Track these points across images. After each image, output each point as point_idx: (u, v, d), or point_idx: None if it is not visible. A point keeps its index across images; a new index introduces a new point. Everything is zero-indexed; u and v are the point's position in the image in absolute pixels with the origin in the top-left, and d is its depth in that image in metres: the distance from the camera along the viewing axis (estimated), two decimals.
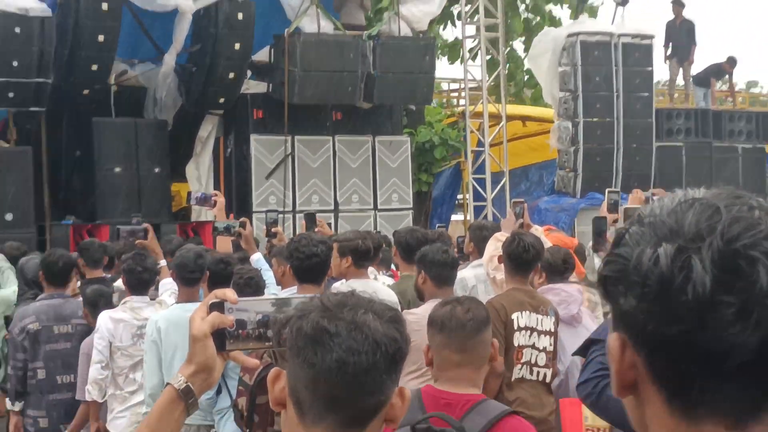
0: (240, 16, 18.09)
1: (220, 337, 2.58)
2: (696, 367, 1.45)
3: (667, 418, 1.51)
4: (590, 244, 10.00)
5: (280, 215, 14.53)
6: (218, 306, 2.59)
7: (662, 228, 1.47)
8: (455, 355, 4.54)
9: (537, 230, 9.63)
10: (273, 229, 11.00)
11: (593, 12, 27.74)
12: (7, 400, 9.64)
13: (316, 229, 10.39)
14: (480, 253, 8.93)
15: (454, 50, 27.08)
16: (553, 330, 7.60)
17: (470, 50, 24.07)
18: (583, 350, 3.54)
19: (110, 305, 9.44)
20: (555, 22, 27.41)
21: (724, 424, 1.47)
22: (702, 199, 1.49)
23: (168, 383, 2.61)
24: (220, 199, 10.78)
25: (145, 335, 8.24)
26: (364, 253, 8.01)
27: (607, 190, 10.38)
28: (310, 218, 10.98)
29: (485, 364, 4.65)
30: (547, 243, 9.31)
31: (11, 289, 10.93)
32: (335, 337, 2.29)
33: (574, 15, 26.73)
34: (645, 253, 1.46)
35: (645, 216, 1.52)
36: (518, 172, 25.88)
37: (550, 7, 29.19)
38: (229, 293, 2.62)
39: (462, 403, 4.44)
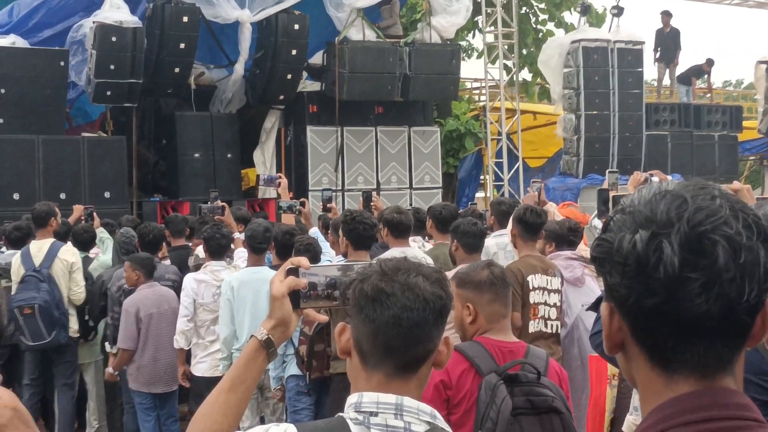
0: (296, 27, 18.14)
1: (295, 296, 2.62)
2: (669, 331, 1.51)
3: (649, 371, 1.56)
4: (595, 213, 9.96)
5: (333, 193, 14.50)
6: (294, 271, 2.63)
7: (639, 216, 1.52)
8: (503, 309, 4.54)
9: (551, 206, 9.63)
10: (328, 205, 11.02)
11: (600, 18, 27.36)
12: (106, 344, 9.70)
13: (371, 204, 10.38)
14: (500, 224, 8.92)
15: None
16: (560, 288, 7.62)
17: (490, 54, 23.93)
18: (595, 306, 3.52)
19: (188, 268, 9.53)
20: (568, 27, 27.09)
21: (694, 376, 1.52)
22: (672, 190, 1.53)
23: (252, 335, 2.64)
24: (284, 181, 10.79)
25: (221, 294, 8.30)
26: (398, 225, 7.99)
27: (608, 171, 10.32)
28: (368, 196, 10.97)
29: None
30: (558, 217, 9.29)
31: (108, 255, 10.99)
32: (391, 297, 2.34)
33: (592, 21, 26.52)
34: (625, 238, 1.52)
35: (627, 206, 1.57)
36: (536, 169, 25.89)
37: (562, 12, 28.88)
38: (303, 261, 2.67)
39: (518, 348, 4.45)
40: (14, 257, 9.92)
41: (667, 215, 1.49)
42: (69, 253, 9.98)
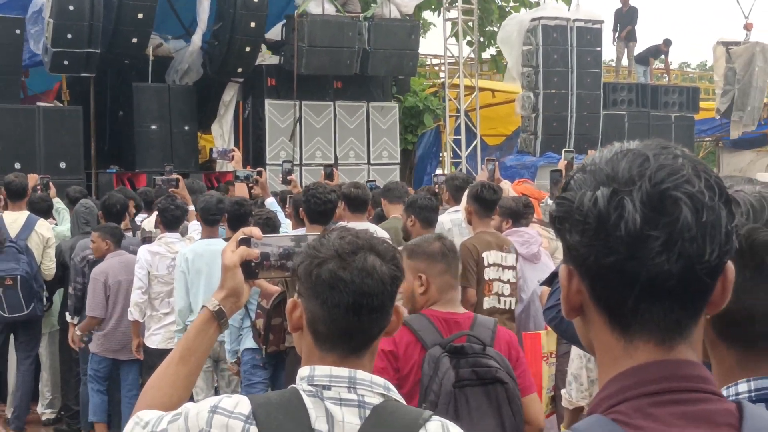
0: None
1: (247, 267, 2.61)
2: (629, 291, 1.48)
3: (608, 335, 1.54)
4: (548, 195, 10.03)
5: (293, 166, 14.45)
6: (246, 241, 2.62)
7: (600, 174, 1.50)
8: (453, 280, 4.57)
9: (506, 184, 9.67)
10: (288, 177, 10.98)
11: None
12: (67, 314, 9.64)
13: (333, 181, 10.42)
14: (454, 200, 8.96)
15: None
16: (514, 265, 7.66)
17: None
18: (548, 281, 3.55)
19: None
20: (532, 5, 26.98)
21: (653, 340, 1.51)
22: (634, 149, 1.52)
23: (203, 306, 2.63)
24: (237, 154, 10.79)
25: (175, 266, 8.28)
26: (355, 200, 8.10)
27: (564, 150, 10.40)
28: (329, 170, 10.98)
29: None
30: (513, 195, 9.34)
31: (66, 226, 10.92)
32: (350, 284, 2.34)
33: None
34: (586, 196, 1.49)
35: (588, 164, 1.55)
36: (493, 147, 25.93)
37: None
38: (255, 231, 2.65)
39: (465, 320, 4.48)
40: None
41: (629, 173, 1.47)
42: (45, 227, 9.99)
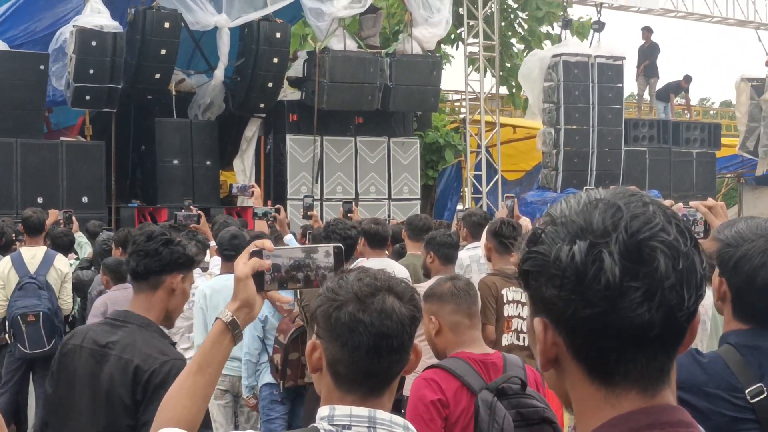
0: (278, 35, 18.20)
1: (259, 279, 2.63)
2: (610, 343, 1.48)
3: (587, 385, 1.53)
4: None
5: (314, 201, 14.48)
6: (257, 253, 2.63)
7: (573, 226, 1.49)
8: (466, 320, 4.53)
9: (525, 221, 9.64)
10: (309, 213, 10.99)
11: (585, 29, 27.30)
12: None
13: (350, 215, 10.43)
14: (472, 236, 8.94)
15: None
16: None
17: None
18: None
19: None
20: (553, 39, 27.02)
21: (636, 388, 1.51)
22: (604, 199, 1.51)
23: (217, 317, 2.64)
24: (257, 190, 10.80)
25: (195, 301, 8.29)
26: (375, 236, 8.14)
27: (585, 189, 10.34)
28: (348, 207, 11.01)
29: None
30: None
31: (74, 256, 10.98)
32: (369, 326, 2.34)
33: (576, 35, 26.59)
34: (562, 250, 1.48)
35: (557, 216, 1.53)
36: (514, 182, 25.96)
37: (545, 28, 28.87)
38: (266, 243, 2.66)
39: (499, 360, 4.45)
40: (1, 262, 9.85)
41: (603, 224, 1.46)
42: (63, 262, 9.99)
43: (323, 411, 2.37)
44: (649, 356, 1.49)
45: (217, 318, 2.64)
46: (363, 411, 2.35)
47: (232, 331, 2.61)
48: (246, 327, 2.68)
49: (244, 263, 2.62)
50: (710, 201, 4.20)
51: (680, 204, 8.13)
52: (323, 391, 2.45)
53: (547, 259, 1.49)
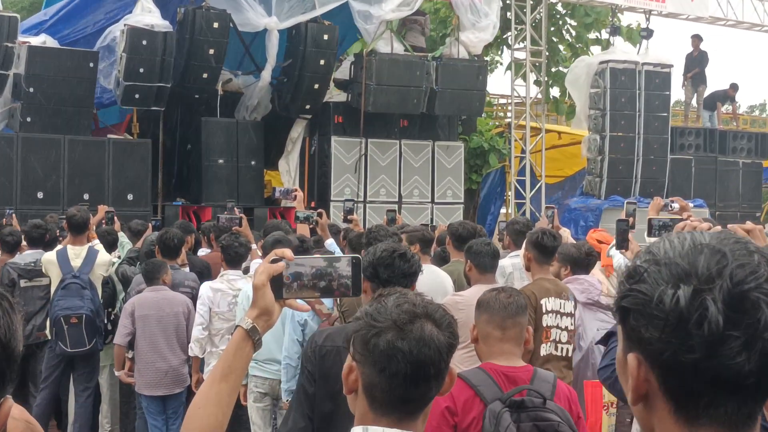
0: (325, 37, 18.25)
1: (278, 286, 2.63)
2: (704, 387, 1.48)
3: (672, 424, 1.54)
4: (613, 243, 9.93)
5: (355, 204, 14.51)
6: (278, 262, 2.63)
7: (677, 269, 1.49)
8: (496, 331, 4.59)
9: (565, 231, 9.63)
10: (349, 217, 11.00)
11: (634, 35, 27.02)
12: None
13: (395, 224, 10.51)
14: (515, 244, 8.93)
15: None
16: (572, 312, 7.61)
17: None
18: (604, 340, 3.53)
19: None
20: (602, 45, 26.81)
21: (720, 431, 1.50)
22: (709, 244, 1.51)
23: (237, 325, 2.66)
24: (299, 194, 10.82)
25: (238, 303, 8.34)
26: (429, 242, 8.26)
27: (625, 201, 10.29)
28: (392, 215, 11.06)
29: (522, 343, 4.69)
30: (571, 241, 9.29)
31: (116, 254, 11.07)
32: (408, 354, 2.35)
33: (629, 40, 26.43)
34: (666, 294, 1.48)
35: (660, 257, 1.53)
36: (556, 185, 25.91)
37: (594, 34, 28.66)
38: (287, 252, 2.65)
39: (524, 373, 4.48)
40: (46, 257, 9.94)
41: (708, 270, 1.46)
42: (106, 258, 10.10)
43: (356, 431, 2.39)
44: (740, 403, 1.49)
45: (237, 326, 2.65)
46: None
47: (253, 338, 2.62)
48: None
49: (260, 272, 2.63)
50: (749, 224, 4.17)
51: (658, 198, 8.07)
52: (358, 411, 2.45)
53: (648, 300, 1.50)
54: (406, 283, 5.86)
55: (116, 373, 9.33)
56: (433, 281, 7.75)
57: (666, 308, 1.47)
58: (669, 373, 1.50)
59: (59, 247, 10.03)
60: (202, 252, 11.09)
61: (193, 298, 9.07)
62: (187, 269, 10.05)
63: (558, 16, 28.20)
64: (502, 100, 27.71)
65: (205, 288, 8.76)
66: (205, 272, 10.17)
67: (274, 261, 2.63)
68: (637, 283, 1.53)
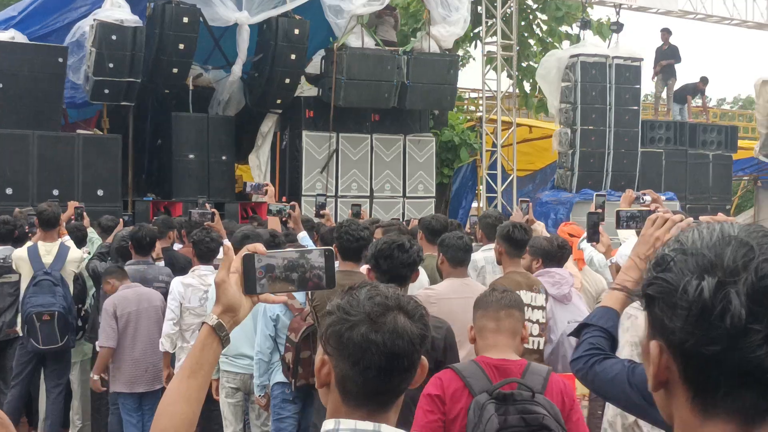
0: (296, 31, 18.20)
1: (250, 281, 2.59)
2: (724, 379, 1.49)
3: (688, 411, 1.55)
4: (583, 236, 9.95)
5: (327, 199, 14.50)
6: (249, 257, 2.60)
7: (703, 260, 1.50)
8: (491, 323, 4.71)
9: (539, 225, 9.63)
10: (322, 212, 11.00)
11: (605, 28, 26.98)
12: (96, 343, 9.65)
13: (360, 218, 10.48)
14: (488, 238, 8.93)
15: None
16: (543, 305, 7.64)
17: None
18: (576, 332, 3.53)
19: None
20: (572, 39, 26.82)
21: (734, 422, 1.51)
22: (737, 236, 1.51)
23: (204, 322, 2.63)
24: (270, 188, 10.83)
25: (209, 298, 8.31)
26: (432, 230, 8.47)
27: (595, 194, 10.33)
28: (357, 210, 11.04)
29: (518, 337, 4.78)
30: (545, 234, 9.29)
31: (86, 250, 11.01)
32: (381, 346, 2.36)
33: (599, 34, 26.46)
34: (691, 284, 1.48)
35: (688, 247, 1.54)
36: (527, 178, 25.98)
37: (564, 28, 28.66)
38: (259, 247, 2.62)
39: (516, 367, 4.55)
40: (17, 253, 9.88)
41: (734, 263, 1.47)
42: (77, 255, 10.04)
43: (328, 424, 2.39)
44: (759, 396, 1.49)
45: (203, 322, 2.63)
46: (368, 425, 2.36)
47: (219, 334, 2.59)
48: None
49: (220, 268, 2.61)
50: (720, 216, 4.18)
51: (630, 190, 8.10)
52: (330, 405, 2.45)
53: (673, 289, 1.51)
54: (406, 273, 5.96)
55: (93, 377, 9.21)
56: None
57: (690, 299, 1.48)
58: (690, 362, 1.51)
59: (30, 243, 9.97)
60: (175, 247, 11.04)
61: (168, 293, 9.04)
62: (162, 263, 10.01)
63: (529, 11, 28.22)
64: (473, 94, 27.73)
65: (176, 283, 8.72)
66: (188, 268, 10.13)
67: (246, 256, 2.60)
68: (663, 272, 1.54)
